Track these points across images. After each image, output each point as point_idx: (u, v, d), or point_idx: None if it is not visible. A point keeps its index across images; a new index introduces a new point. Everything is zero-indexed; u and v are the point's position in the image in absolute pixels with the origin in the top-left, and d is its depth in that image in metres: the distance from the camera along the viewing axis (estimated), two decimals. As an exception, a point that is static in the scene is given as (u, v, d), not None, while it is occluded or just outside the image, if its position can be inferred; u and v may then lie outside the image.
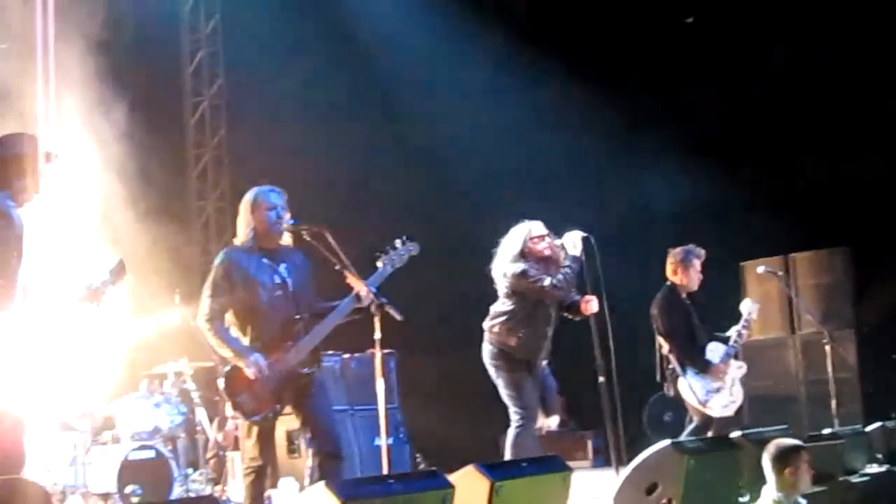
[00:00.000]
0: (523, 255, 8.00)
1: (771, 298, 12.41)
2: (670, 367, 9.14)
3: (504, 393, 7.98)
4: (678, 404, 11.27)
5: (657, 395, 12.89)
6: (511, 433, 7.84)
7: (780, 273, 11.54)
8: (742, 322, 9.43)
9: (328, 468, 6.37)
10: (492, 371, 8.04)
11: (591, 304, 8.05)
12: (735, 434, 7.67)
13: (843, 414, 10.52)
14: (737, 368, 9.25)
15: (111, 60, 11.13)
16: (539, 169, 13.41)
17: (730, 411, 9.12)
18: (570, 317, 8.25)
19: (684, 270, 9.26)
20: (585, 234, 8.08)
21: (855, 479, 8.73)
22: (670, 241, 9.70)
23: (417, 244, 6.87)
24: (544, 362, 8.21)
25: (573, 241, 8.04)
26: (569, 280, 7.93)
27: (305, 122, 13.33)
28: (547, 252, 8.04)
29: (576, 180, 13.00)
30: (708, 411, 9.03)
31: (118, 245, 10.81)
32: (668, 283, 9.34)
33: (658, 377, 9.31)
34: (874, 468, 9.19)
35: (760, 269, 11.24)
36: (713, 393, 9.06)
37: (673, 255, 9.34)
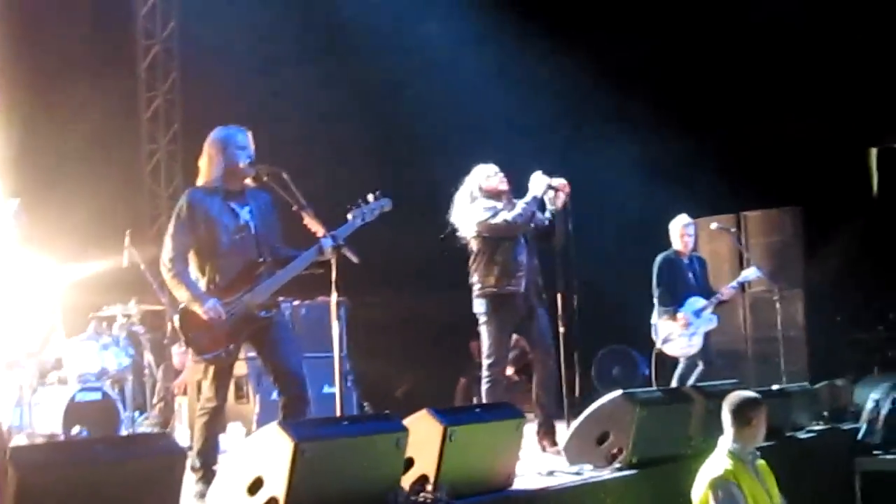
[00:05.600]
0: (481, 190, 7.97)
1: (722, 255, 12.50)
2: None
3: (483, 344, 7.97)
4: (625, 359, 11.43)
5: (605, 349, 13.01)
6: (483, 387, 7.87)
7: (733, 230, 11.62)
8: (735, 282, 10.25)
9: (293, 410, 6.23)
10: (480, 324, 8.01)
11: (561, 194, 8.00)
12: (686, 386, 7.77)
13: (790, 371, 10.64)
14: (707, 321, 9.86)
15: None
16: (491, 115, 13.32)
17: (686, 353, 9.83)
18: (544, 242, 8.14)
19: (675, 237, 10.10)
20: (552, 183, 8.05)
21: (801, 434, 8.87)
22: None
23: (390, 200, 6.74)
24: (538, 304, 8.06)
25: (538, 183, 8.01)
26: (526, 216, 7.87)
27: (259, 67, 13.17)
28: (502, 186, 8.03)
29: (530, 138, 12.95)
30: (666, 350, 9.82)
31: (67, 185, 10.68)
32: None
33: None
34: (819, 425, 9.34)
35: (713, 226, 11.33)
36: (670, 338, 9.75)
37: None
